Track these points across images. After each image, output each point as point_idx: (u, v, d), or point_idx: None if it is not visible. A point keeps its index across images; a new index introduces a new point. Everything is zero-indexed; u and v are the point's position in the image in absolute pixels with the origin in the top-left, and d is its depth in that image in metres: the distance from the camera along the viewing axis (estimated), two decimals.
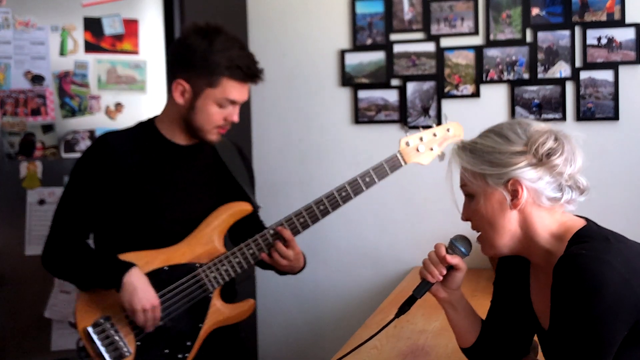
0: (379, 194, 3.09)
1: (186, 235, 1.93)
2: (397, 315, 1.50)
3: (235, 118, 1.92)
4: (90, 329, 1.87)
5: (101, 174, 1.89)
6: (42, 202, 2.47)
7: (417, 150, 2.05)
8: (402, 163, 2.04)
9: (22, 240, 2.45)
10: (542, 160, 1.31)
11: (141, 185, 1.90)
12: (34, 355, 2.48)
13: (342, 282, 3.23)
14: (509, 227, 1.36)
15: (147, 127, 1.98)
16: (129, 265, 1.83)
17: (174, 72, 1.91)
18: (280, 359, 3.33)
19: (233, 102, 1.89)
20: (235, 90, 1.87)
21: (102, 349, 1.86)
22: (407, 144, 2.05)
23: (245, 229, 2.02)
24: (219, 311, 1.94)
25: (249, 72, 1.88)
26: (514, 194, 1.33)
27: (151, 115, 2.02)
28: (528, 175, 1.32)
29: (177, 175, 1.95)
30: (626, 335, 1.23)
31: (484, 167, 1.34)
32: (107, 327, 1.87)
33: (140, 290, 1.80)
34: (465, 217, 1.43)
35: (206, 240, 1.93)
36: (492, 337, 1.53)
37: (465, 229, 1.51)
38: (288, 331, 3.32)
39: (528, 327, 1.52)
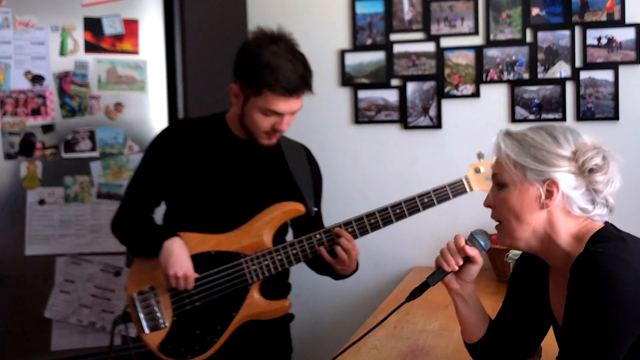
0: (378, 194, 3.09)
1: (240, 225, 1.99)
2: (408, 299, 1.50)
3: (283, 127, 1.93)
4: (135, 296, 1.99)
5: (168, 157, 1.99)
6: (42, 202, 2.47)
7: (487, 179, 1.98)
8: (468, 190, 1.99)
9: (22, 240, 2.45)
10: (585, 173, 1.33)
11: (203, 173, 1.99)
12: (34, 355, 2.48)
13: (342, 282, 3.21)
14: (534, 224, 1.37)
15: (218, 120, 2.05)
16: (173, 234, 1.94)
17: (234, 73, 1.95)
18: None
19: (277, 113, 1.90)
20: (277, 103, 1.88)
21: (142, 316, 1.97)
22: (477, 170, 2.00)
23: (306, 230, 2.05)
24: (254, 304, 1.99)
25: (290, 88, 1.87)
26: (549, 195, 1.34)
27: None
28: (567, 180, 1.33)
29: (239, 168, 2.01)
30: (639, 336, 1.24)
31: (527, 160, 1.35)
32: (150, 297, 1.98)
33: (175, 256, 1.90)
34: (490, 203, 1.43)
35: (255, 234, 1.98)
36: (501, 336, 1.53)
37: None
38: None
39: (539, 330, 1.52)
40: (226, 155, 2.01)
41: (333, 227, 1.97)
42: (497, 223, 1.44)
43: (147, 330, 1.96)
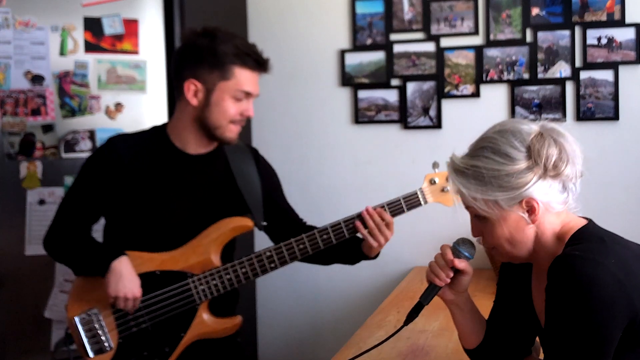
0: (378, 194, 3.09)
1: (185, 243, 1.93)
2: (406, 323, 1.50)
3: (251, 113, 1.91)
4: (77, 319, 1.91)
5: (105, 175, 1.92)
6: (42, 202, 2.47)
7: (443, 190, 1.94)
8: (422, 202, 1.93)
9: (22, 240, 2.45)
10: (551, 172, 1.30)
11: (143, 190, 1.91)
12: (34, 355, 2.48)
13: (342, 282, 3.22)
14: (527, 241, 1.35)
15: (158, 133, 1.98)
16: (120, 254, 1.87)
17: (182, 75, 1.89)
18: (280, 359, 3.33)
19: (248, 95, 1.89)
20: (248, 81, 1.87)
21: (85, 340, 1.90)
22: (432, 182, 1.94)
23: (286, 231, 2.00)
24: (203, 323, 1.93)
25: (258, 59, 1.89)
26: (531, 211, 1.32)
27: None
28: (541, 189, 1.30)
29: (182, 183, 1.95)
30: (621, 338, 1.23)
31: (496, 194, 1.31)
32: (93, 320, 1.90)
33: (125, 278, 1.84)
34: (477, 235, 1.41)
35: (202, 251, 1.92)
36: (495, 338, 1.53)
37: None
38: (288, 331, 3.32)
39: (530, 328, 1.52)
40: (168, 168, 1.94)
41: (285, 243, 1.91)
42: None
43: (91, 354, 1.89)
